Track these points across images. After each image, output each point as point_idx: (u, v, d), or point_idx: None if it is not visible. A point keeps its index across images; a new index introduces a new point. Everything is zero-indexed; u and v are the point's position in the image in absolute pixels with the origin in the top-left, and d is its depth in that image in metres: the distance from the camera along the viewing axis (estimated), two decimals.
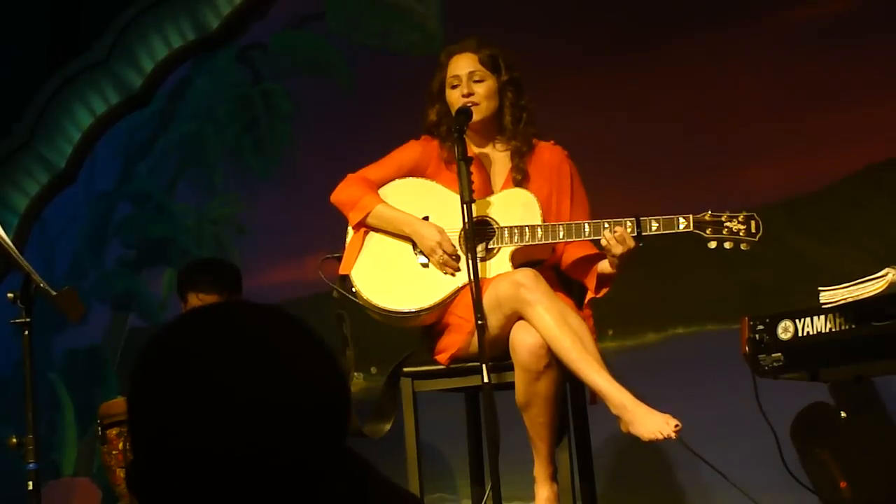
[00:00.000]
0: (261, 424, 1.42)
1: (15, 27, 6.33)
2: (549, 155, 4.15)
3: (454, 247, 4.01)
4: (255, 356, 1.45)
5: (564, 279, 4.12)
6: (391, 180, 4.14)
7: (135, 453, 1.48)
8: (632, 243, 3.86)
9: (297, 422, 1.43)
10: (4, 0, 6.28)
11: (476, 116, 4.03)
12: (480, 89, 4.08)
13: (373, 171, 4.16)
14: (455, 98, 4.08)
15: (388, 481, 1.56)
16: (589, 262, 4.05)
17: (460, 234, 4.00)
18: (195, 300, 4.90)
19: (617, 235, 3.86)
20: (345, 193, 4.12)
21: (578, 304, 4.05)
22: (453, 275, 3.99)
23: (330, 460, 1.46)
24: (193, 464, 1.42)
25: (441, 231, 4.02)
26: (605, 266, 3.99)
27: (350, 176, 4.15)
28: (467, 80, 4.07)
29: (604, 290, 4.03)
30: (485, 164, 4.14)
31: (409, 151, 4.17)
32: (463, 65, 4.10)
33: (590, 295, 4.03)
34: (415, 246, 4.08)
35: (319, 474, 1.45)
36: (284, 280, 5.74)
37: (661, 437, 3.66)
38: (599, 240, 3.92)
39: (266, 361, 1.45)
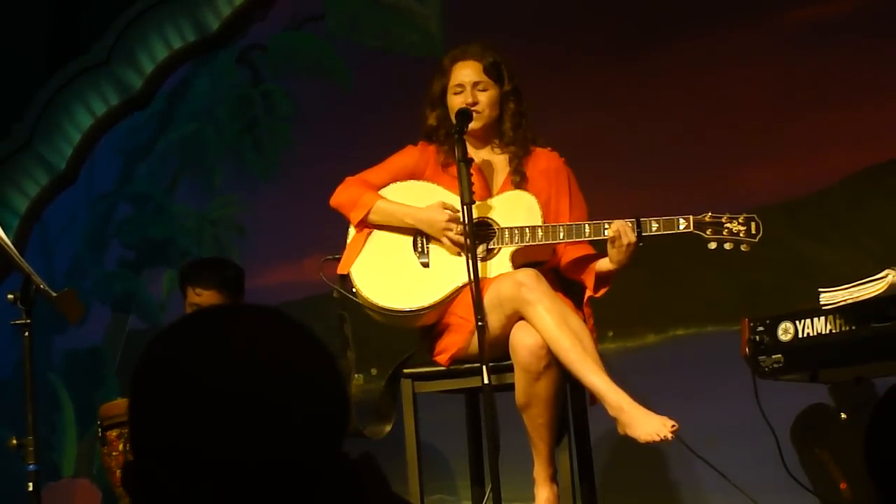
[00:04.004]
0: (256, 430, 1.42)
1: (15, 27, 6.33)
2: (547, 160, 4.16)
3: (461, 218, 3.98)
4: (250, 362, 1.45)
5: (566, 280, 4.13)
6: (389, 184, 4.15)
7: (133, 455, 1.48)
8: (633, 237, 3.87)
9: (292, 427, 1.43)
10: (4, 0, 6.28)
11: (477, 124, 4.05)
12: (484, 98, 4.10)
13: (371, 174, 4.17)
14: (457, 105, 4.08)
15: (388, 490, 1.56)
16: (587, 261, 4.06)
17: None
18: (193, 295, 4.89)
19: (619, 224, 3.87)
20: (344, 195, 4.13)
21: (579, 305, 4.05)
22: (474, 246, 3.92)
23: (326, 465, 1.46)
24: (188, 469, 1.43)
25: (446, 206, 4.01)
26: (603, 265, 4.00)
27: (348, 179, 4.16)
28: (471, 90, 4.09)
29: (603, 290, 4.03)
30: (483, 168, 4.14)
31: (407, 156, 4.18)
32: (467, 73, 4.11)
33: (588, 293, 4.04)
34: (415, 245, 4.08)
35: (315, 479, 1.45)
36: (284, 281, 5.73)
37: (657, 438, 3.67)
38: (599, 240, 3.94)
39: (262, 367, 1.45)
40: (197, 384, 1.44)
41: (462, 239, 3.95)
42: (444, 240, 4.02)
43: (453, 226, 4.00)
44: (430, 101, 4.18)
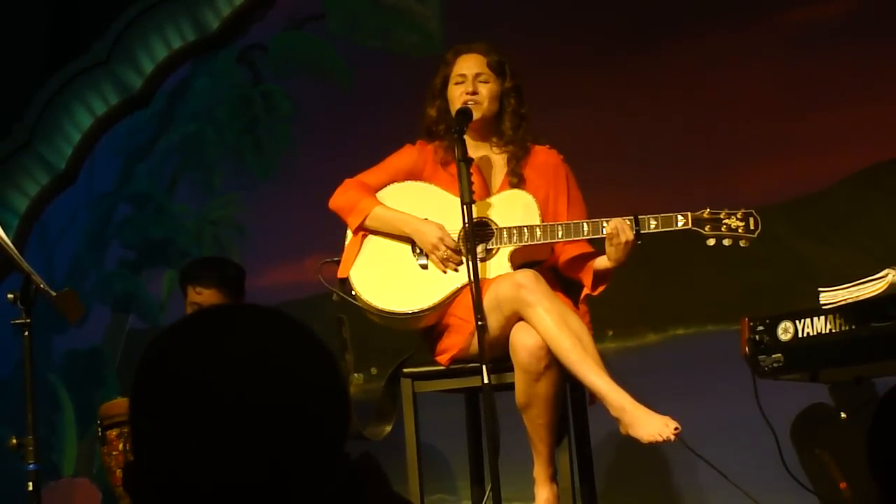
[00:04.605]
0: (255, 432, 1.42)
1: (15, 27, 6.33)
2: (545, 157, 4.16)
3: (455, 242, 4.02)
4: (249, 364, 1.45)
5: (565, 280, 4.13)
6: (388, 185, 4.15)
7: (134, 456, 1.48)
8: (631, 235, 3.87)
9: (292, 429, 1.43)
10: (4, 0, 6.28)
11: (476, 114, 4.05)
12: (484, 90, 4.10)
13: (369, 176, 4.17)
14: (457, 94, 4.09)
15: (388, 490, 1.56)
16: (585, 260, 4.06)
17: (459, 234, 4.01)
18: (193, 294, 4.90)
19: (618, 221, 3.87)
20: (343, 198, 4.13)
21: (579, 304, 4.05)
22: (456, 270, 3.99)
23: (326, 466, 1.46)
24: (188, 470, 1.43)
25: (441, 228, 4.03)
26: (600, 263, 4.00)
27: (347, 181, 4.16)
28: (473, 80, 4.10)
29: (601, 288, 4.03)
30: (481, 166, 4.14)
31: (405, 156, 4.19)
32: (470, 65, 4.12)
33: (586, 292, 4.04)
34: (413, 247, 4.08)
35: (316, 480, 1.45)
36: (284, 281, 5.73)
37: (660, 439, 3.67)
38: (596, 238, 3.94)
39: (261, 369, 1.45)
40: (195, 388, 1.44)
41: (443, 266, 3.98)
42: (431, 256, 4.03)
43: (442, 247, 4.00)
44: (432, 92, 4.18)
